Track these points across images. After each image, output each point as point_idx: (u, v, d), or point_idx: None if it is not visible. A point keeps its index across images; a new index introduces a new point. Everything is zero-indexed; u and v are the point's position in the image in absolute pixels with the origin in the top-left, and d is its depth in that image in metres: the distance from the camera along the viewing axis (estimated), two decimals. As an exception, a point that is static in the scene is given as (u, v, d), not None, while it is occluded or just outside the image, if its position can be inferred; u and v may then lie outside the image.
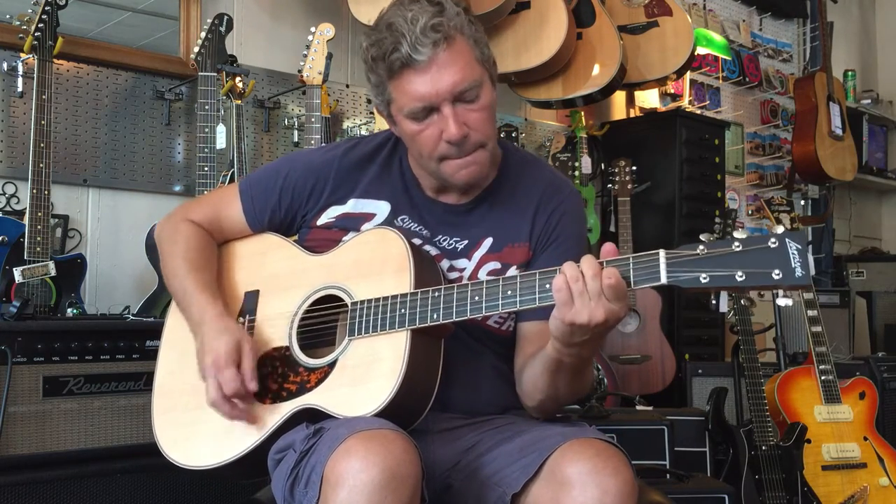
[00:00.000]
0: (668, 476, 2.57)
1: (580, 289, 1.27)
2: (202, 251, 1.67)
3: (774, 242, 1.22)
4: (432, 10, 1.46)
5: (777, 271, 1.21)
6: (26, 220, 2.50)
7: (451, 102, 1.47)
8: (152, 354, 1.66)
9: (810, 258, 1.22)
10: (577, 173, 3.98)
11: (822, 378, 3.00)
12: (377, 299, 1.47)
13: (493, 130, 1.55)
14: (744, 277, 1.22)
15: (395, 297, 1.45)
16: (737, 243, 1.24)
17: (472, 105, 1.49)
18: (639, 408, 3.29)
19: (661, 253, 1.27)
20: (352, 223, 1.62)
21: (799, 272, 1.20)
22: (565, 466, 1.30)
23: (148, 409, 1.64)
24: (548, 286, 1.32)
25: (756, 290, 1.26)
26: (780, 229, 1.24)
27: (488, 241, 1.61)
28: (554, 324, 1.33)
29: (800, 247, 1.21)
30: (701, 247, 1.25)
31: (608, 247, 1.33)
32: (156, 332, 1.67)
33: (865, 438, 2.98)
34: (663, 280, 1.25)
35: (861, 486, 2.91)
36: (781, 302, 1.26)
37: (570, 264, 1.30)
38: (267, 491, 1.65)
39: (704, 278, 1.23)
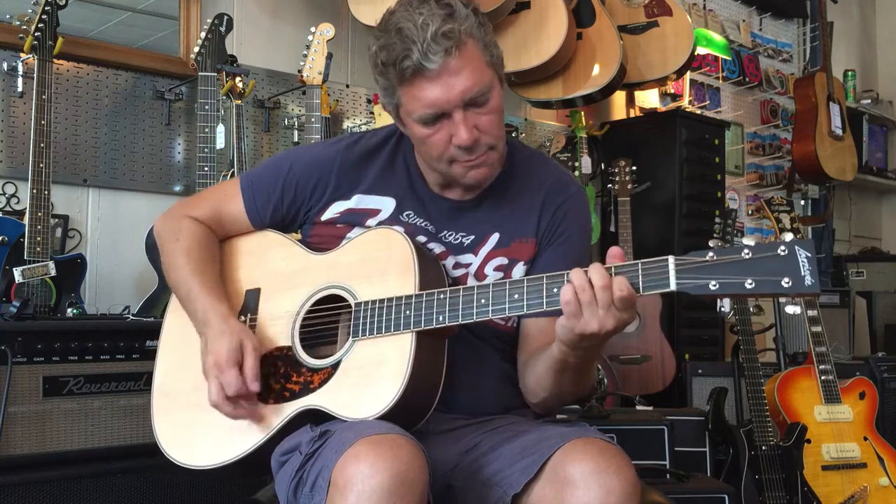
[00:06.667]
0: (668, 476, 2.57)
1: (588, 298, 1.28)
2: (205, 249, 1.65)
3: (784, 250, 1.21)
4: (442, 13, 1.43)
5: (787, 279, 1.20)
6: (26, 220, 2.50)
7: (461, 108, 1.46)
8: (152, 354, 1.66)
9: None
10: (577, 173, 3.98)
11: (822, 378, 2.99)
12: (381, 300, 1.46)
13: (502, 131, 1.54)
14: (753, 285, 1.21)
15: (399, 298, 1.44)
16: (746, 250, 1.22)
17: (482, 109, 1.48)
18: (639, 408, 3.29)
19: (671, 259, 1.26)
20: (356, 218, 1.62)
21: (809, 280, 1.19)
22: (567, 466, 1.30)
23: (148, 409, 1.63)
24: (555, 290, 1.32)
25: (765, 297, 1.26)
26: (788, 236, 1.24)
27: (495, 237, 1.60)
28: (562, 331, 1.33)
29: (809, 255, 1.20)
30: (710, 253, 1.24)
31: (615, 251, 1.32)
32: (156, 332, 1.67)
33: (865, 438, 2.98)
34: (672, 287, 1.25)
35: (861, 486, 2.91)
36: (790, 309, 1.26)
37: (577, 272, 1.29)
38: (267, 491, 1.65)
39: (714, 285, 1.23)
